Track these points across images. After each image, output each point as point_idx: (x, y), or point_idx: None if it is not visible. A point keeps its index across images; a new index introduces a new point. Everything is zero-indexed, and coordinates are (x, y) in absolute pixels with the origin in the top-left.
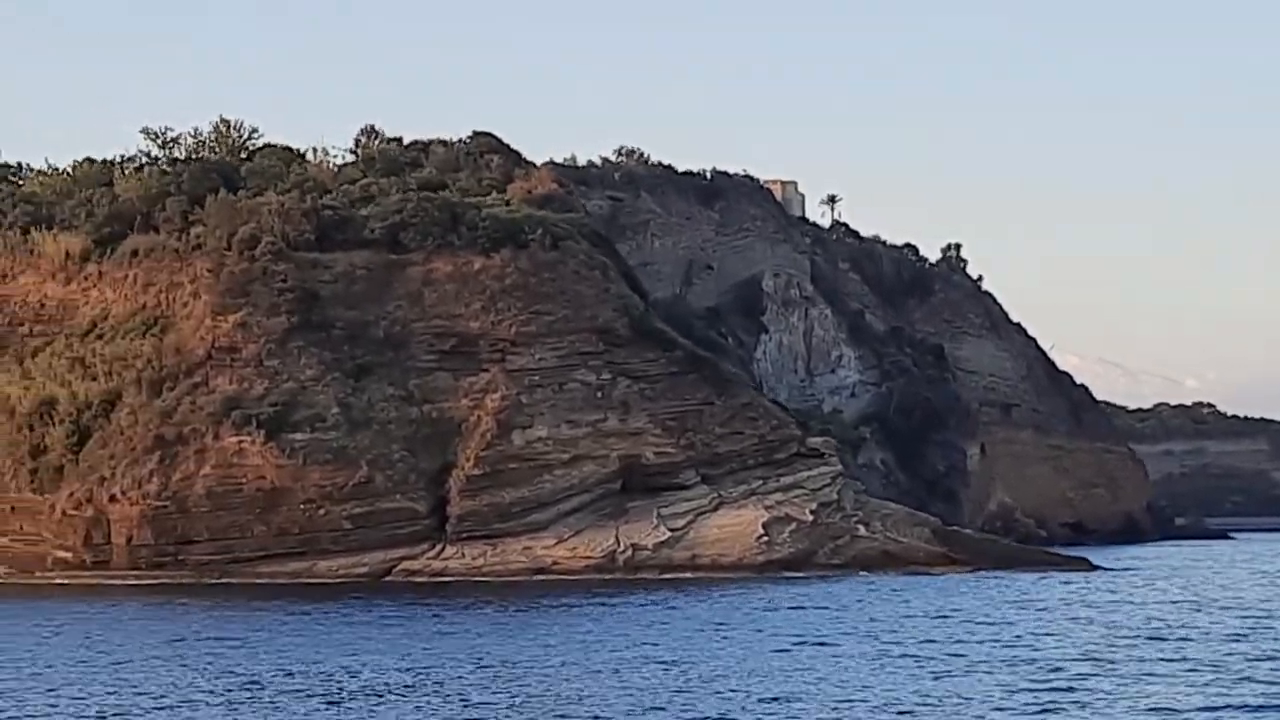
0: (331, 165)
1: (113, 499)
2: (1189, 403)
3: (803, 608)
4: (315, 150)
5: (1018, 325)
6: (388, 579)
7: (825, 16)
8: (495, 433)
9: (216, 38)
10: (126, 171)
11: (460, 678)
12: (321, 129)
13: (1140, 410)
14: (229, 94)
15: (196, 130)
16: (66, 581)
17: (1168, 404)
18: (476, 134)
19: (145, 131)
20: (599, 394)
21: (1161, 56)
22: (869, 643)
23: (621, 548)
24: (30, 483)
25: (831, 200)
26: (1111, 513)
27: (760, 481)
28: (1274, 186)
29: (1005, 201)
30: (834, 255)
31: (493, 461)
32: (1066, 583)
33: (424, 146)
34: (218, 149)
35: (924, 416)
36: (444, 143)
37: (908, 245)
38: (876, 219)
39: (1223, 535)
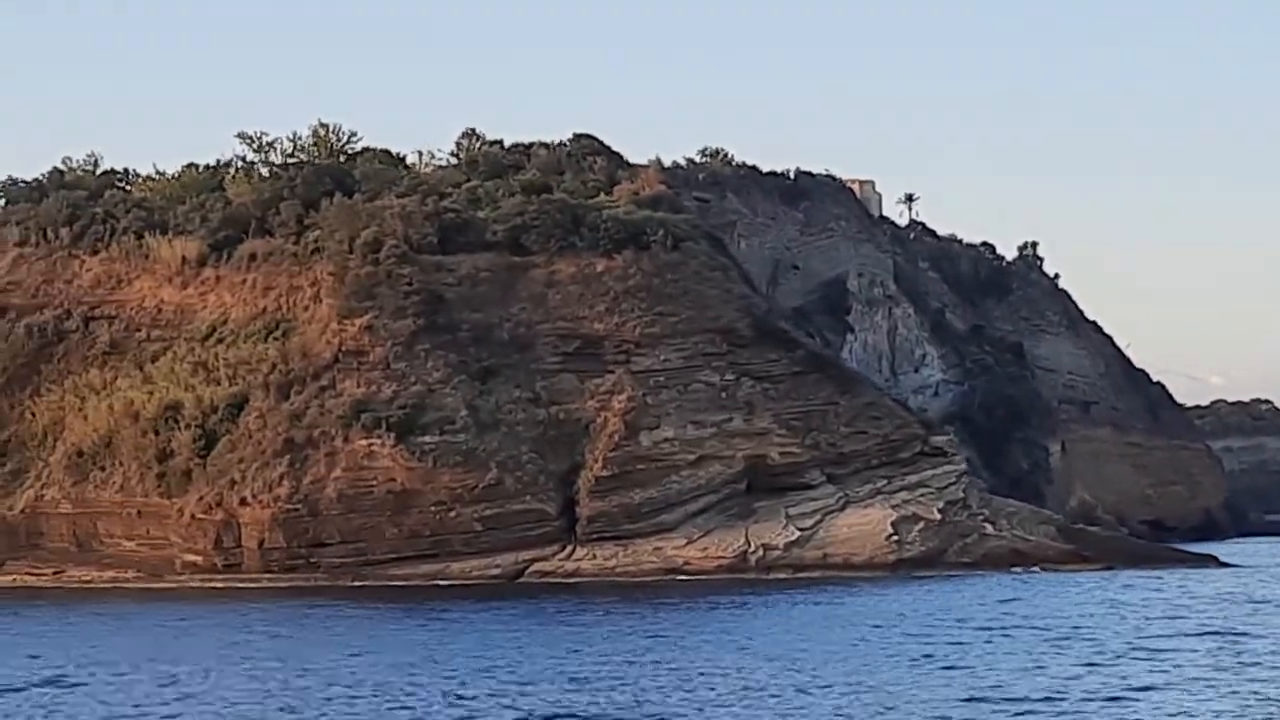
0: (434, 168)
1: (243, 502)
2: (1247, 399)
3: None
4: (420, 154)
5: (1094, 323)
6: (521, 580)
7: (892, 15)
8: (623, 434)
9: (307, 41)
10: (236, 176)
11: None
12: (408, 131)
13: (1198, 407)
14: (322, 98)
15: (295, 134)
16: (201, 585)
17: (1225, 400)
18: (578, 136)
19: (241, 136)
20: (723, 394)
21: (1228, 59)
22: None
23: (752, 548)
24: (157, 487)
25: (909, 199)
26: (1190, 509)
27: (885, 480)
28: None
29: (1079, 199)
30: (913, 254)
31: (621, 462)
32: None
33: (525, 149)
34: (317, 153)
35: (1007, 415)
36: (545, 145)
37: (984, 244)
38: (951, 217)
39: None
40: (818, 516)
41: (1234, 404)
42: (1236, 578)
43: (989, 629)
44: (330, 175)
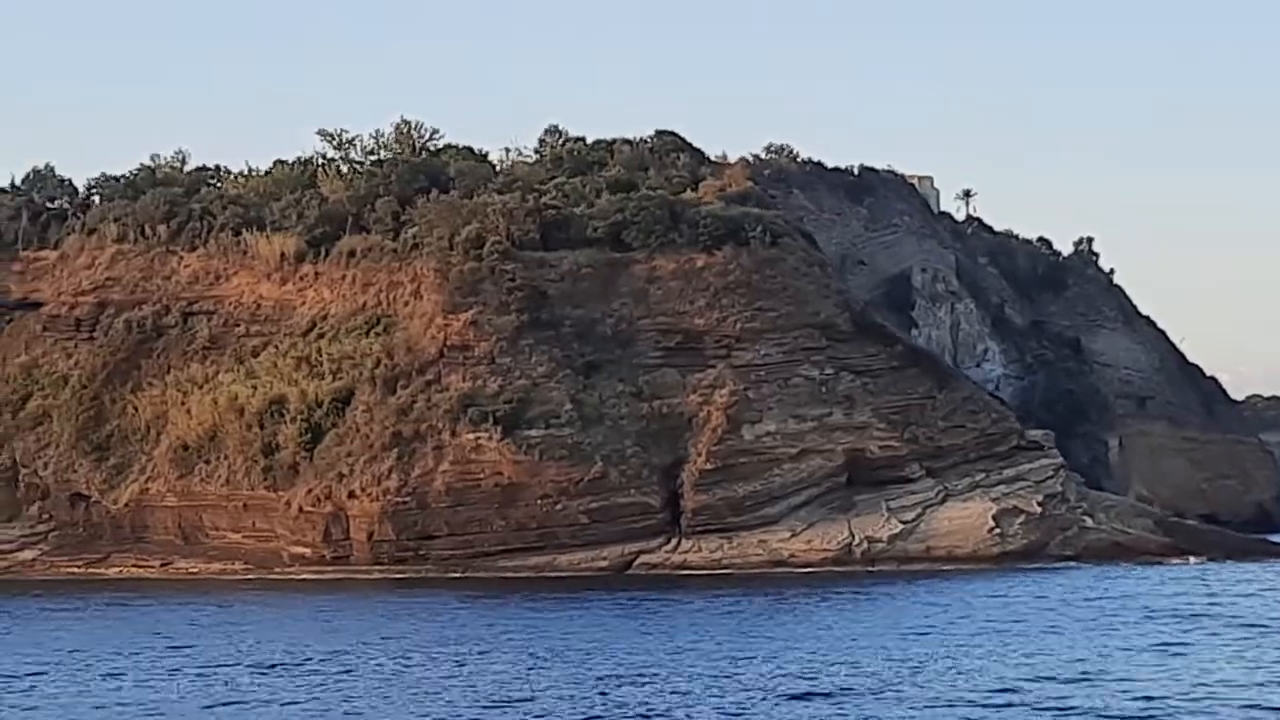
0: (517, 164)
1: (352, 495)
2: None
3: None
4: (507, 150)
5: (1147, 318)
6: (629, 572)
7: (938, 10)
8: (725, 428)
9: (373, 40)
10: (328, 173)
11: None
12: (480, 127)
13: (1235, 403)
14: (397, 95)
15: (378, 132)
16: (313, 577)
17: (1261, 395)
18: (660, 133)
19: (322, 134)
20: (823, 389)
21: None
22: None
23: (856, 540)
24: (264, 480)
25: (966, 195)
26: (1243, 503)
27: (983, 474)
28: None
29: (1132, 194)
30: (972, 250)
31: (724, 456)
32: None
33: (608, 145)
34: (400, 149)
35: (1067, 409)
36: (628, 142)
37: (1041, 239)
38: (1005, 213)
39: None
40: (918, 510)
41: (1270, 399)
42: None
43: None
44: (424, 172)
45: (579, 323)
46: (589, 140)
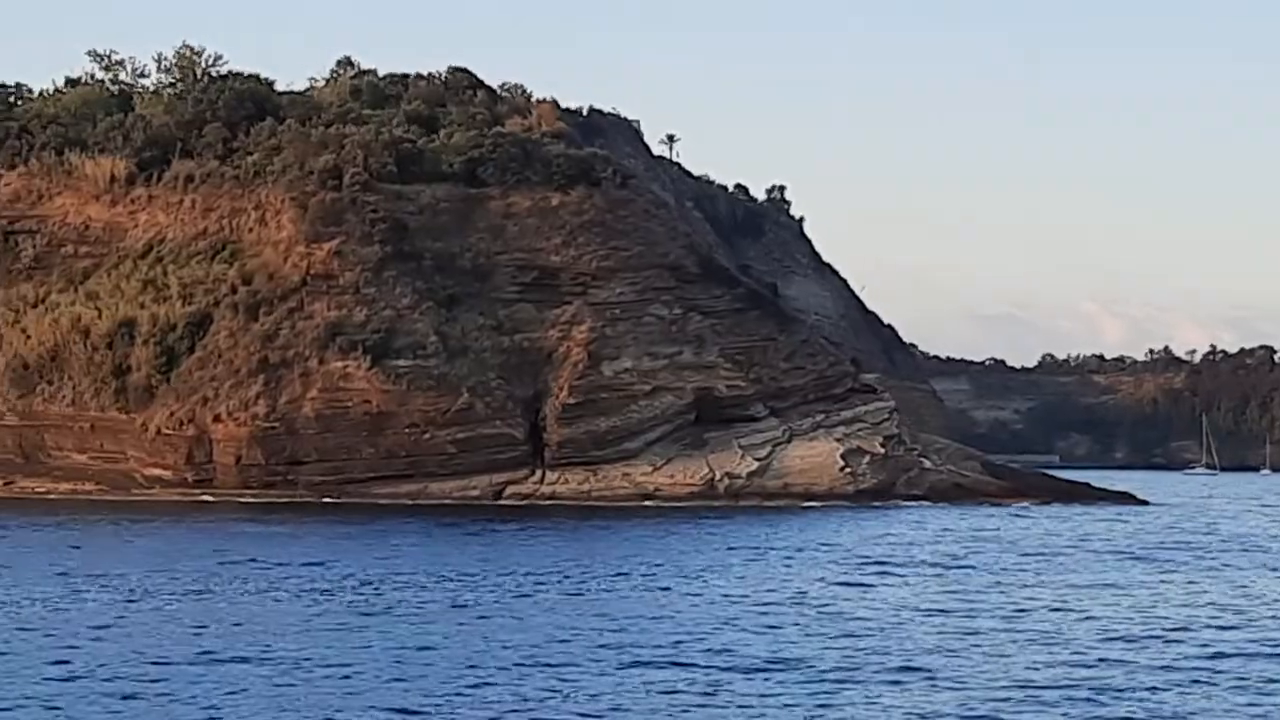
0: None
1: (217, 419)
2: None
3: None
4: (312, 81)
5: (830, 266)
6: (501, 502)
7: None
8: (586, 363)
9: None
10: (148, 97)
11: None
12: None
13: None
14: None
15: (159, 55)
16: (181, 498)
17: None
18: (454, 69)
19: (92, 54)
20: (673, 328)
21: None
22: None
23: (718, 476)
24: (115, 402)
25: (670, 140)
26: None
27: (823, 415)
28: None
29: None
30: (680, 194)
31: (585, 391)
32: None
33: (401, 80)
34: (181, 75)
35: None
36: (422, 77)
37: (738, 185)
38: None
39: None
40: (768, 448)
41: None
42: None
43: None
44: (251, 99)
45: (439, 256)
46: (379, 74)
